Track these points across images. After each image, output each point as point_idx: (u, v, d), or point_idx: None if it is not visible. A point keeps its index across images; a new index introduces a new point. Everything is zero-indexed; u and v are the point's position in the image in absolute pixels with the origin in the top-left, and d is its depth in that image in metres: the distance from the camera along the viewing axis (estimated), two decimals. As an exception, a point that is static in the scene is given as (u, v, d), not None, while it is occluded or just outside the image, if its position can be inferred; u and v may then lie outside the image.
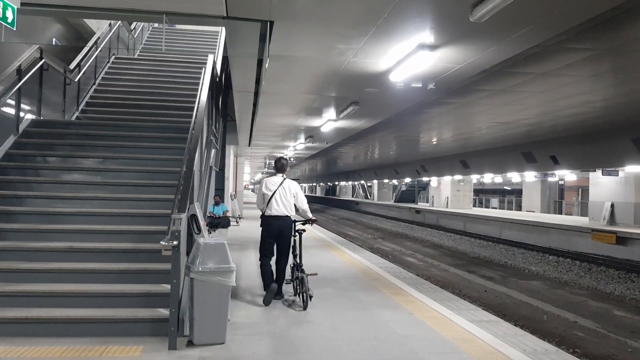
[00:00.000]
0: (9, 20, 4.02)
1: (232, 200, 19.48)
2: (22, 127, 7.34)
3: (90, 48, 10.35)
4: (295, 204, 6.36)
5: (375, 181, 44.71)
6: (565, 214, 30.04)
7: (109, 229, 5.72)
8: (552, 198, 32.93)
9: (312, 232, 14.63)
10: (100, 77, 10.88)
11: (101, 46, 10.86)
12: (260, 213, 6.38)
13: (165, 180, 6.68)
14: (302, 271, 6.05)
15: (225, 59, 10.42)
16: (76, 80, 9.15)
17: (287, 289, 6.41)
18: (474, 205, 33.88)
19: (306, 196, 6.95)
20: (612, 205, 17.96)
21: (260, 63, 7.52)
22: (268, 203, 6.19)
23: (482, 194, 44.45)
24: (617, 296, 11.28)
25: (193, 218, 4.95)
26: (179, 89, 10.70)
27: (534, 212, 29.76)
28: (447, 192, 29.79)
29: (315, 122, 14.52)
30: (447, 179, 29.01)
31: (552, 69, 7.91)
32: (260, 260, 6.32)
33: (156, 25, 15.21)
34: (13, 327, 4.41)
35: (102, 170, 6.95)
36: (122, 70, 11.69)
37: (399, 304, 6.10)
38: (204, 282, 4.39)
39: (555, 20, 5.43)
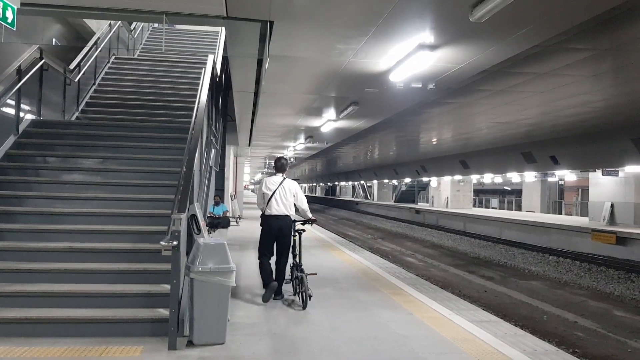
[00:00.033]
0: (9, 21, 4.02)
1: (232, 200, 19.48)
2: (22, 127, 7.33)
3: (90, 48, 10.34)
4: (295, 204, 6.37)
5: (375, 181, 44.72)
6: (565, 214, 30.05)
7: (109, 229, 5.72)
8: (552, 198, 32.94)
9: (312, 232, 14.63)
10: (100, 77, 10.88)
11: (101, 46, 10.86)
12: (260, 213, 6.39)
13: (165, 181, 6.67)
14: (302, 271, 6.06)
15: (225, 59, 10.41)
16: (76, 80, 9.15)
17: (287, 288, 6.42)
18: (474, 206, 33.88)
19: (306, 196, 6.96)
20: (612, 206, 17.96)
21: (260, 63, 7.52)
22: (268, 202, 6.20)
23: (482, 194, 44.47)
24: (617, 296, 11.28)
25: (193, 218, 4.95)
26: (178, 89, 10.69)
27: (533, 212, 29.76)
28: (447, 192, 29.79)
29: (315, 122, 14.52)
30: (447, 179, 29.02)
31: (552, 69, 7.91)
32: (259, 258, 6.33)
33: (156, 25, 15.21)
34: (13, 327, 4.41)
35: (102, 170, 6.95)
36: (122, 71, 11.69)
37: (398, 304, 6.10)
38: (204, 282, 4.39)
39: (555, 20, 5.43)
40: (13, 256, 5.22)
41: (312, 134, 17.49)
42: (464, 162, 22.36)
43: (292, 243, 6.38)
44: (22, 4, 4.22)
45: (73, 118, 9.02)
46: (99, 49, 10.71)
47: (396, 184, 43.13)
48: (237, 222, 17.89)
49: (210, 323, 4.42)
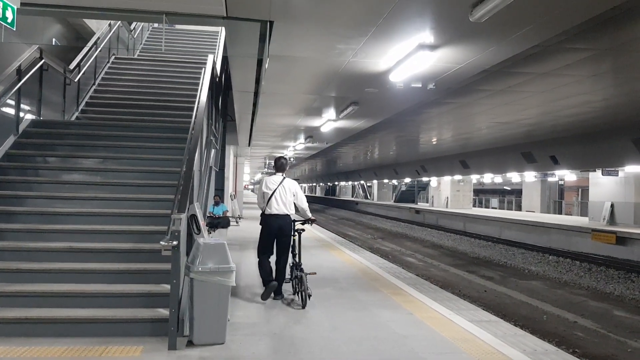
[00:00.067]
0: (9, 21, 4.02)
1: (231, 200, 19.48)
2: (22, 127, 7.33)
3: (90, 48, 10.34)
4: (295, 203, 6.38)
5: (375, 181, 44.72)
6: (565, 214, 30.05)
7: (109, 229, 5.72)
8: (552, 198, 32.94)
9: (312, 232, 14.63)
10: (100, 77, 10.88)
11: (101, 46, 10.86)
12: (260, 212, 6.41)
13: (165, 181, 6.67)
14: (301, 270, 6.08)
15: (225, 59, 10.41)
16: (76, 80, 9.15)
17: (286, 287, 6.42)
18: (474, 206, 33.88)
19: (306, 196, 6.97)
20: (612, 205, 17.96)
21: (260, 63, 7.52)
22: (268, 202, 6.22)
23: (482, 194, 44.47)
24: (617, 296, 11.28)
25: (193, 218, 4.95)
26: (178, 89, 10.69)
27: (533, 212, 29.76)
28: (446, 192, 29.80)
29: (315, 122, 14.52)
30: (447, 179, 29.02)
31: (552, 69, 7.91)
32: (258, 257, 6.34)
33: (156, 25, 15.21)
34: (13, 327, 4.41)
35: (102, 170, 6.95)
36: (122, 71, 11.68)
37: (398, 304, 6.10)
38: (204, 282, 4.39)
39: (555, 20, 5.43)
40: (13, 256, 5.22)
41: (312, 134, 17.50)
42: (464, 162, 22.36)
43: (291, 242, 6.39)
44: (22, 4, 4.22)
45: (73, 118, 9.02)
46: (99, 49, 10.71)
47: (396, 184, 43.13)
48: (237, 222, 17.89)
49: (210, 323, 4.42)
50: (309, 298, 5.89)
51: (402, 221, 31.75)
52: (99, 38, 10.96)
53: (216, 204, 13.14)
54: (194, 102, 7.10)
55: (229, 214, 14.61)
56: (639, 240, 14.80)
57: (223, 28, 10.05)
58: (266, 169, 37.37)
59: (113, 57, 12.00)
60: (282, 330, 4.95)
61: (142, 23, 14.18)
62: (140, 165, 7.08)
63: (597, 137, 13.95)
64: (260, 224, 6.35)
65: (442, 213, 28.08)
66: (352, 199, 54.55)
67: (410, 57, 6.80)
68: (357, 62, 7.46)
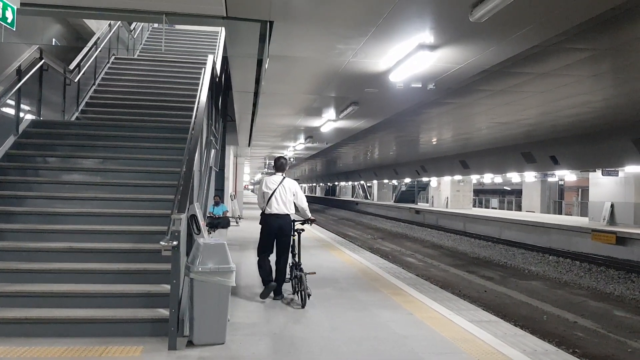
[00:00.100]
0: (9, 21, 4.02)
1: (231, 200, 19.48)
2: (22, 127, 7.33)
3: (90, 48, 10.34)
4: (295, 203, 6.40)
5: (375, 181, 44.72)
6: (565, 214, 30.05)
7: (109, 229, 5.72)
8: (552, 198, 32.93)
9: (312, 233, 14.63)
10: (100, 78, 10.88)
11: (101, 46, 10.86)
12: (260, 212, 6.42)
13: (165, 181, 6.68)
14: (301, 270, 6.11)
15: (225, 59, 10.41)
16: (76, 80, 9.15)
17: (286, 287, 6.44)
18: (474, 206, 33.88)
19: (306, 196, 6.99)
20: (612, 206, 17.96)
21: (260, 63, 7.52)
22: (268, 201, 6.23)
23: (481, 194, 44.46)
24: (617, 296, 11.27)
25: (193, 218, 4.95)
26: (178, 89, 10.69)
27: (533, 212, 29.76)
28: (446, 192, 29.80)
29: (315, 123, 14.52)
30: (446, 179, 29.02)
31: (552, 69, 7.91)
32: (258, 256, 6.36)
33: (156, 25, 15.21)
34: (13, 327, 4.41)
35: (101, 170, 6.95)
36: (121, 71, 11.68)
37: (398, 304, 6.10)
38: (204, 283, 4.39)
39: (555, 20, 5.43)
40: (13, 256, 5.22)
41: (312, 134, 17.50)
42: (463, 162, 22.36)
43: (291, 242, 6.40)
44: (22, 4, 4.22)
45: (73, 118, 9.02)
46: (99, 49, 10.71)
47: (396, 184, 43.14)
48: (237, 222, 17.88)
49: (210, 323, 4.42)
50: (309, 298, 5.91)
51: (402, 221, 31.75)
52: (98, 38, 10.96)
53: (216, 204, 13.13)
54: (193, 102, 7.10)
55: (229, 214, 14.60)
56: (639, 241, 14.80)
57: (223, 28, 10.05)
58: (266, 169, 37.37)
59: (113, 57, 12.00)
60: (282, 331, 4.95)
61: (142, 23, 14.18)
62: (140, 165, 7.08)
63: (597, 137, 13.95)
64: (260, 223, 6.37)
65: (442, 213, 28.08)
66: (352, 199, 54.55)
67: (410, 57, 6.80)
68: (357, 62, 7.46)
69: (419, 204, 37.54)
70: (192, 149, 5.65)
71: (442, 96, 10.06)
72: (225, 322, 4.52)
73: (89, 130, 8.17)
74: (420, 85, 8.32)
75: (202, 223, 5.11)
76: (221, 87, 11.46)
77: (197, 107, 6.63)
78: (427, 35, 6.16)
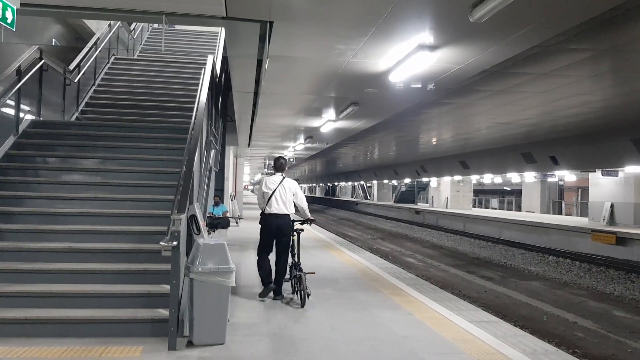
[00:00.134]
0: (9, 21, 4.02)
1: (231, 200, 19.48)
2: (21, 127, 7.33)
3: (90, 49, 10.34)
4: (294, 203, 6.43)
5: (374, 182, 44.72)
6: (565, 215, 30.04)
7: (109, 230, 5.72)
8: (551, 198, 32.93)
9: (312, 233, 14.63)
10: (99, 78, 10.88)
11: (101, 47, 10.86)
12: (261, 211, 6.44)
13: (164, 181, 6.68)
14: (300, 270, 6.14)
15: (225, 60, 10.41)
16: (76, 80, 9.15)
17: (286, 287, 6.45)
18: (474, 206, 33.88)
19: (306, 197, 7.01)
20: (612, 206, 17.96)
21: (259, 63, 7.51)
22: (268, 201, 6.25)
23: (481, 195, 44.46)
24: (617, 296, 11.28)
25: (193, 218, 4.95)
26: (178, 90, 10.69)
27: (533, 212, 29.76)
28: (446, 192, 29.80)
29: (314, 123, 14.52)
30: (446, 179, 29.02)
31: (552, 69, 7.91)
32: (258, 256, 6.38)
33: (156, 25, 15.21)
34: (13, 327, 4.41)
35: (101, 170, 6.95)
36: (121, 71, 11.68)
37: (398, 305, 6.10)
38: (204, 283, 4.39)
39: (555, 20, 5.43)
40: (13, 256, 5.22)
41: (311, 134, 17.49)
42: (463, 163, 22.36)
43: (291, 242, 6.42)
44: (21, 5, 4.22)
45: (73, 118, 9.02)
46: (99, 50, 10.71)
47: (396, 184, 43.14)
48: (236, 223, 17.88)
49: (210, 323, 4.42)
50: (308, 297, 5.93)
51: (402, 221, 31.75)
52: (98, 38, 10.96)
53: (216, 204, 13.12)
54: (193, 103, 7.10)
55: (228, 215, 14.59)
56: (638, 241, 14.80)
57: (223, 28, 10.05)
58: (266, 170, 37.39)
59: (113, 57, 12.00)
60: (282, 331, 4.95)
61: (142, 23, 14.18)
62: (140, 165, 7.08)
63: (597, 138, 13.95)
64: (260, 223, 6.40)
65: (442, 213, 28.08)
66: (352, 199, 54.55)
67: (410, 57, 6.80)
68: (356, 63, 7.46)
69: (418, 204, 37.54)
70: (192, 149, 5.65)
71: (441, 96, 10.06)
72: (225, 322, 4.52)
73: (88, 130, 8.17)
74: (420, 86, 8.31)
75: (202, 223, 5.11)
76: (221, 88, 11.46)
77: (197, 108, 6.64)
78: (427, 36, 6.16)
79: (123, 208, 6.17)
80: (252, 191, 65.43)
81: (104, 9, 5.38)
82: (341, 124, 13.97)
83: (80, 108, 9.43)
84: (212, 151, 9.33)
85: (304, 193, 20.26)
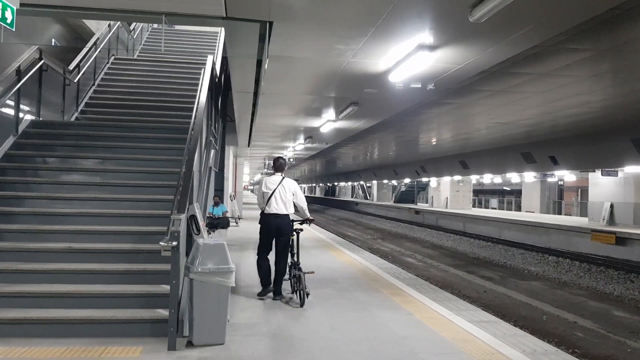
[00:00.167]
0: (8, 21, 4.01)
1: (231, 201, 19.46)
2: (21, 127, 7.33)
3: (90, 49, 10.33)
4: (294, 202, 6.45)
5: (374, 182, 44.72)
6: (565, 215, 30.05)
7: (109, 230, 5.72)
8: (551, 198, 32.94)
9: (312, 233, 14.63)
10: (99, 78, 10.87)
11: (100, 47, 10.85)
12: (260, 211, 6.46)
13: (164, 181, 6.67)
14: (300, 269, 6.15)
15: (224, 60, 10.41)
16: (75, 81, 9.14)
17: (285, 287, 6.46)
18: (474, 206, 33.89)
19: (306, 197, 7.02)
20: (612, 206, 17.97)
21: (259, 63, 7.52)
22: (268, 201, 6.26)
23: (481, 195, 44.47)
24: (617, 296, 11.28)
25: (192, 219, 4.95)
26: (178, 90, 10.69)
27: (533, 212, 29.77)
28: (446, 192, 29.81)
29: (314, 123, 14.52)
30: (446, 179, 29.03)
31: (552, 69, 7.91)
32: (257, 256, 6.40)
33: (155, 25, 15.20)
34: (12, 327, 4.40)
35: (101, 171, 6.95)
36: (121, 71, 11.67)
37: (398, 305, 6.10)
38: (204, 283, 4.39)
39: (555, 20, 5.44)
40: (13, 256, 5.22)
41: (311, 134, 17.49)
42: (463, 163, 22.36)
43: (290, 242, 6.44)
44: (21, 5, 4.21)
45: (72, 119, 9.01)
46: (99, 50, 10.70)
47: (396, 184, 43.13)
48: (236, 223, 17.88)
49: (209, 323, 4.42)
50: (307, 297, 5.93)
51: (401, 222, 31.75)
52: (98, 39, 10.95)
53: (216, 204, 13.12)
54: (193, 103, 7.10)
55: (228, 215, 14.59)
56: (638, 241, 14.81)
57: (223, 29, 10.05)
58: (266, 170, 37.38)
59: (112, 57, 11.99)
60: (282, 331, 4.95)
61: (142, 24, 14.17)
62: (139, 165, 7.08)
63: (597, 137, 13.95)
64: (260, 223, 6.42)
65: (442, 213, 28.08)
66: (352, 199, 54.55)
67: (409, 57, 6.80)
68: (356, 63, 7.46)
69: (418, 204, 37.54)
70: (191, 150, 5.65)
71: (441, 96, 10.06)
72: (224, 322, 4.52)
73: (88, 130, 8.17)
74: (420, 86, 8.32)
75: (201, 223, 5.10)
76: (221, 88, 11.46)
77: (197, 108, 6.64)
78: (426, 36, 6.16)
79: (123, 208, 6.16)
80: (252, 191, 65.43)
81: (103, 9, 5.38)
82: (341, 124, 13.97)
83: (79, 108, 9.42)
84: (212, 151, 9.34)
85: (304, 193, 20.26)
